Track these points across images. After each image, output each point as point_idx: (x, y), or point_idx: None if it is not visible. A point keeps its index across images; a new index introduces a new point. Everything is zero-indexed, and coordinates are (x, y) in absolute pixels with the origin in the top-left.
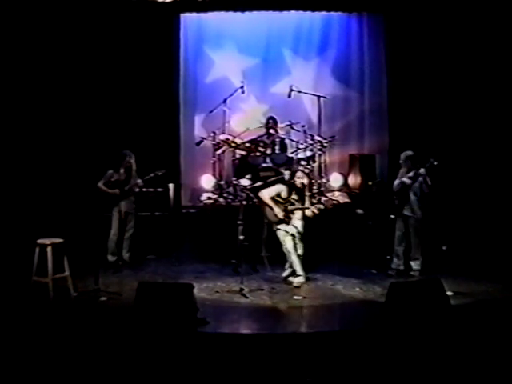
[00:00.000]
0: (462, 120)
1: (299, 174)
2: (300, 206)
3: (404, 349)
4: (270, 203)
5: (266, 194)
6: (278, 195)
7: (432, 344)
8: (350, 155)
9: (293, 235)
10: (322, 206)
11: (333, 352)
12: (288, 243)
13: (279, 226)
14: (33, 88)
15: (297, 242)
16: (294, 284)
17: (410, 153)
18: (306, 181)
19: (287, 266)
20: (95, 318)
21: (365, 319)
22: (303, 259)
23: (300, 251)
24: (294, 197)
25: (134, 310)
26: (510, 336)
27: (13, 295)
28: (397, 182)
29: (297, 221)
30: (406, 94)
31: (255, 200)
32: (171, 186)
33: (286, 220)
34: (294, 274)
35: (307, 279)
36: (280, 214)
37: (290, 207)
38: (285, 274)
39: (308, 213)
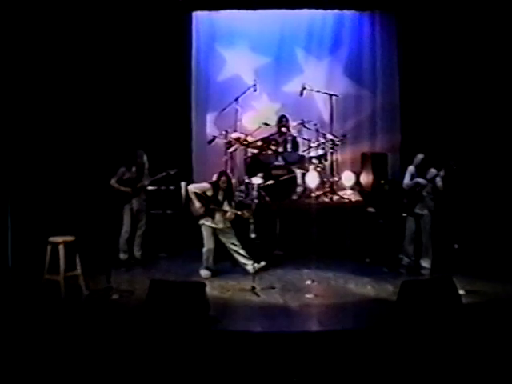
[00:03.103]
0: (474, 118)
1: (223, 179)
2: (219, 208)
3: (415, 347)
4: (193, 197)
5: (192, 188)
6: (204, 193)
7: (443, 343)
8: (362, 154)
9: (215, 229)
10: (245, 213)
11: (345, 351)
12: (206, 237)
13: (202, 221)
14: (49, 87)
15: (222, 236)
16: (202, 275)
17: (422, 156)
18: (229, 182)
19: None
20: (107, 317)
21: (377, 318)
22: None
23: (233, 243)
24: (220, 197)
25: (146, 309)
26: None
27: (25, 293)
28: (407, 181)
29: (220, 219)
30: (418, 92)
31: (267, 198)
32: (183, 184)
33: (209, 216)
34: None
35: (214, 274)
36: (201, 209)
37: (211, 206)
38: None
39: (228, 215)
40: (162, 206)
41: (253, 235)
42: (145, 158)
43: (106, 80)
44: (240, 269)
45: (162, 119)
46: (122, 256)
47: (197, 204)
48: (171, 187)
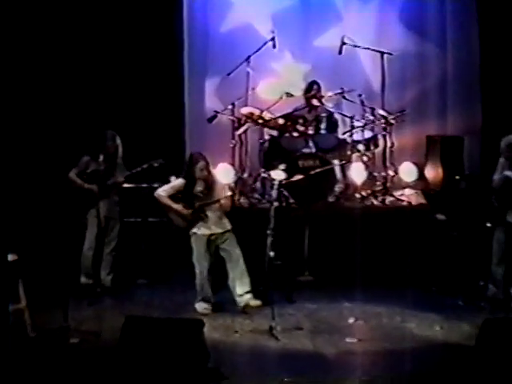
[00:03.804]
0: None
1: (201, 164)
2: (208, 201)
3: None
4: (169, 203)
5: (162, 193)
6: (179, 192)
7: None
8: (428, 137)
9: (211, 235)
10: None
11: None
12: (198, 254)
13: (194, 230)
14: None
15: (221, 245)
16: (198, 309)
17: None
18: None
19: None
20: (62, 368)
21: (447, 370)
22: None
23: (236, 255)
24: (199, 189)
25: (119, 357)
26: None
27: None
28: (497, 176)
29: (215, 219)
30: (506, 50)
31: (291, 201)
32: (173, 180)
33: (199, 218)
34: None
35: (215, 308)
36: (184, 211)
37: (197, 203)
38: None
39: (223, 202)
40: (141, 211)
41: (271, 253)
42: (118, 141)
43: (64, 35)
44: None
45: (142, 88)
46: (85, 282)
47: (178, 207)
48: (155, 185)
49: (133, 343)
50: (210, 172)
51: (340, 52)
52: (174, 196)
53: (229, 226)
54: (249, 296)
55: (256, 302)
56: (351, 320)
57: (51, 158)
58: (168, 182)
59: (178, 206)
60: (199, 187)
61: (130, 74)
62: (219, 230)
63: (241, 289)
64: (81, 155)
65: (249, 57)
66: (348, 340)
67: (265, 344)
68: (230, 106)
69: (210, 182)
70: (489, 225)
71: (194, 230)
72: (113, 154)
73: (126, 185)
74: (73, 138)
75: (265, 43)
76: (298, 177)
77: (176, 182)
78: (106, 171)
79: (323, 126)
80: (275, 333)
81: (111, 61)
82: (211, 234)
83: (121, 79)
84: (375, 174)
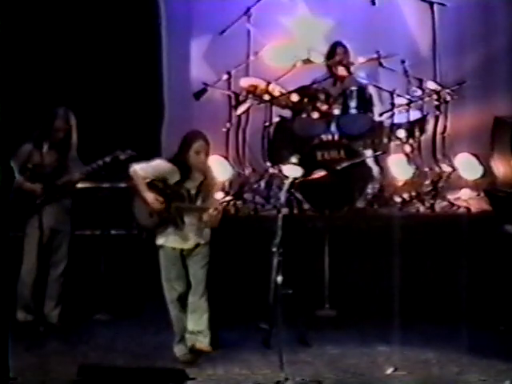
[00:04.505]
0: None
1: (198, 144)
2: (193, 206)
3: None
4: (143, 189)
5: (141, 173)
6: (163, 180)
7: None
8: (496, 119)
9: (183, 250)
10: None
11: None
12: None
13: (160, 241)
14: None
15: (190, 261)
16: (177, 354)
17: None
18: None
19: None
20: None
21: None
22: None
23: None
24: (189, 185)
25: None
26: None
27: None
28: None
29: (194, 228)
30: None
31: (307, 206)
32: None
33: (171, 222)
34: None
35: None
36: (156, 204)
37: (177, 204)
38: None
39: (205, 217)
40: (101, 221)
41: (278, 278)
42: (72, 122)
43: None
44: (253, 343)
45: (105, 54)
46: (23, 317)
47: (150, 198)
48: (121, 185)
49: None
50: (207, 162)
51: (373, 2)
52: (152, 184)
53: (207, 238)
54: (200, 337)
55: (204, 346)
56: (389, 370)
57: None
58: None
59: (151, 198)
60: (190, 183)
61: (90, 34)
62: (189, 245)
63: (193, 324)
64: (21, 142)
65: (249, 9)
66: None
67: None
68: (224, 77)
69: (205, 180)
70: None
71: (161, 240)
72: (64, 140)
73: (81, 185)
74: (10, 118)
75: None
76: (317, 174)
77: (162, 162)
78: (55, 165)
79: (353, 103)
80: None
81: (63, 16)
82: (183, 249)
83: (78, 41)
84: (422, 169)
